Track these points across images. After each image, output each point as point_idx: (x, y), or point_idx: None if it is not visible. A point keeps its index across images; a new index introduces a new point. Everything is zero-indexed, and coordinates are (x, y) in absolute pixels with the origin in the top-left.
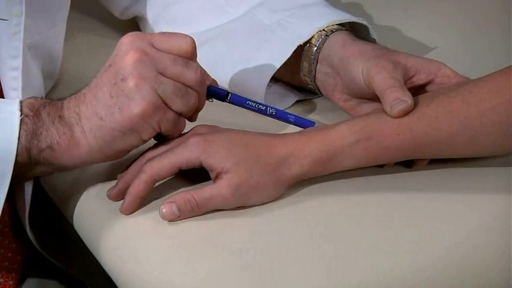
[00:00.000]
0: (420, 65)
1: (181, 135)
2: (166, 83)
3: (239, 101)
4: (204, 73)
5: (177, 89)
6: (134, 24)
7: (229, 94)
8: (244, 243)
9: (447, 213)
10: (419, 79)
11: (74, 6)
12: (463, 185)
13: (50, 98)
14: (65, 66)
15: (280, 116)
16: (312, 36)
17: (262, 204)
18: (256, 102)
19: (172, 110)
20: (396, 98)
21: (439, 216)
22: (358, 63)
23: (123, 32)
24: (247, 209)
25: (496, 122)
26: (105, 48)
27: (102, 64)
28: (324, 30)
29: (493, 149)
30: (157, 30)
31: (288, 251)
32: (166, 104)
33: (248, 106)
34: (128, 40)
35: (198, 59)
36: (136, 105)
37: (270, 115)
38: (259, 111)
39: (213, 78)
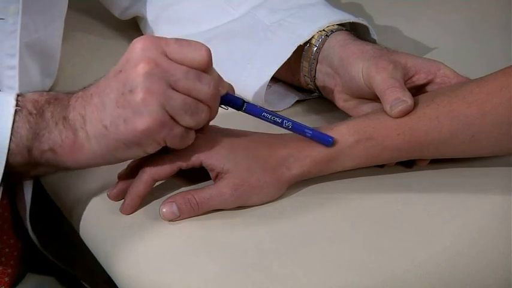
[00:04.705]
0: (420, 65)
1: None
2: (176, 98)
3: (255, 112)
4: (218, 83)
5: (187, 105)
6: (134, 24)
7: (245, 104)
8: (244, 243)
9: (447, 213)
10: (419, 79)
11: (73, 6)
12: (463, 185)
13: (56, 92)
14: (64, 66)
15: (297, 129)
16: (312, 37)
17: (262, 204)
18: (272, 114)
19: (180, 125)
20: (396, 98)
21: (439, 216)
22: (358, 63)
23: (123, 32)
24: (247, 209)
25: (497, 122)
26: (104, 48)
27: (101, 64)
28: (324, 30)
29: (493, 149)
30: (157, 31)
31: (287, 251)
32: (174, 120)
33: (263, 118)
34: (140, 46)
35: None
36: (142, 121)
37: (287, 128)
38: (275, 123)
39: (229, 85)
